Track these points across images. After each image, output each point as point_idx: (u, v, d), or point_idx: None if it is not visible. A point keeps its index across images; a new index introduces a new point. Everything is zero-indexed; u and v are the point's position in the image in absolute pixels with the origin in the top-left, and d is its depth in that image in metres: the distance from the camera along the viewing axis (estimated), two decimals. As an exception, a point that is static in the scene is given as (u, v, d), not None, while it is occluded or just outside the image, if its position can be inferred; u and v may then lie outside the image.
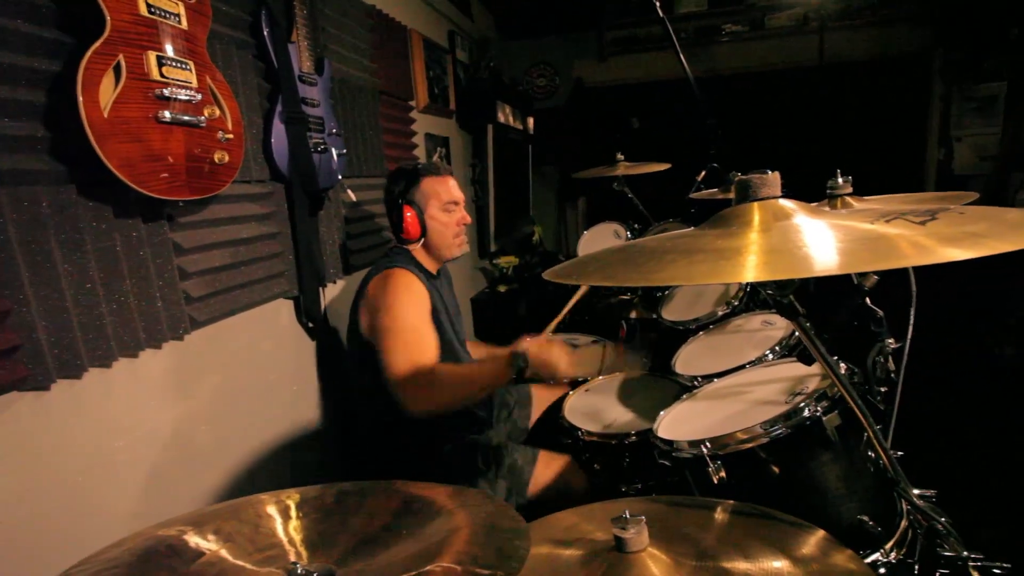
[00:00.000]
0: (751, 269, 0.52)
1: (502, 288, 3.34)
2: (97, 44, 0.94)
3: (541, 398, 1.91)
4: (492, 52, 3.69)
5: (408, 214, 1.54)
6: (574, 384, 1.78)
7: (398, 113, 2.42)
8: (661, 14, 2.28)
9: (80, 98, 0.91)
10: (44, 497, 0.99)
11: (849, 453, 0.98)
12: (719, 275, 0.53)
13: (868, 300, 1.05)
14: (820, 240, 0.56)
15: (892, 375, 1.14)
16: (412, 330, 1.40)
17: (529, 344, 1.29)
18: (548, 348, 1.28)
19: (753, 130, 3.68)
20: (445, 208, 1.57)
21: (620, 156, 2.45)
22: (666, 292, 2.03)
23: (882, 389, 1.17)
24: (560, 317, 1.77)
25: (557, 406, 1.66)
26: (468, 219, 1.62)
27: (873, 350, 1.05)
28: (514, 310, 3.21)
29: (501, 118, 3.35)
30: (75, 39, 0.98)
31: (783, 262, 0.53)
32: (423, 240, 1.57)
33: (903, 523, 0.92)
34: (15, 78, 0.92)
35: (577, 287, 1.83)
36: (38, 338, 0.95)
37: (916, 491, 0.82)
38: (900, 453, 1.09)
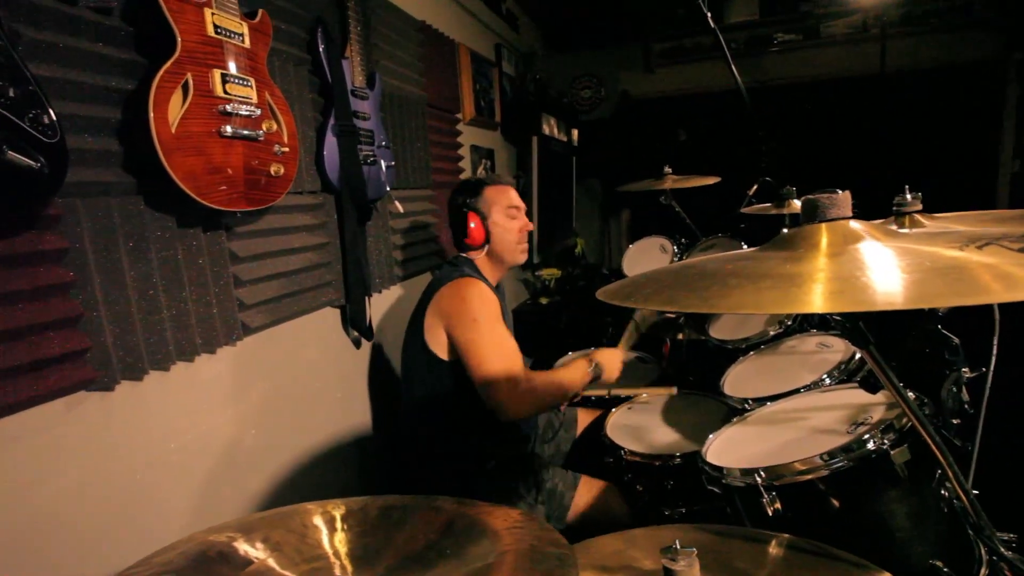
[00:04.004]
0: (822, 298, 0.49)
1: (544, 300, 3.32)
2: (168, 64, 0.99)
3: (582, 420, 1.88)
4: (538, 65, 3.70)
5: (473, 222, 1.58)
6: (617, 402, 1.74)
7: (445, 125, 2.45)
8: (712, 24, 2.23)
9: (151, 114, 0.95)
10: (106, 493, 1.03)
11: (920, 491, 0.91)
12: (789, 304, 0.50)
13: (940, 326, 0.98)
14: (895, 270, 0.52)
15: (966, 406, 1.06)
16: (502, 339, 1.45)
17: (602, 355, 1.59)
18: (615, 360, 1.61)
19: (808, 143, 3.54)
20: (508, 213, 1.62)
21: (668, 169, 2.40)
22: (714, 309, 1.97)
23: (954, 421, 1.09)
24: (630, 334, 1.84)
25: (599, 424, 1.63)
26: (531, 225, 1.68)
27: (948, 380, 0.97)
28: (556, 322, 3.18)
29: (546, 130, 3.35)
30: (147, 59, 1.04)
31: (857, 292, 0.49)
32: (487, 247, 1.61)
33: (983, 571, 0.85)
34: (95, 96, 0.98)
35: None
36: (105, 341, 1.00)
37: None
38: (975, 492, 1.00)
